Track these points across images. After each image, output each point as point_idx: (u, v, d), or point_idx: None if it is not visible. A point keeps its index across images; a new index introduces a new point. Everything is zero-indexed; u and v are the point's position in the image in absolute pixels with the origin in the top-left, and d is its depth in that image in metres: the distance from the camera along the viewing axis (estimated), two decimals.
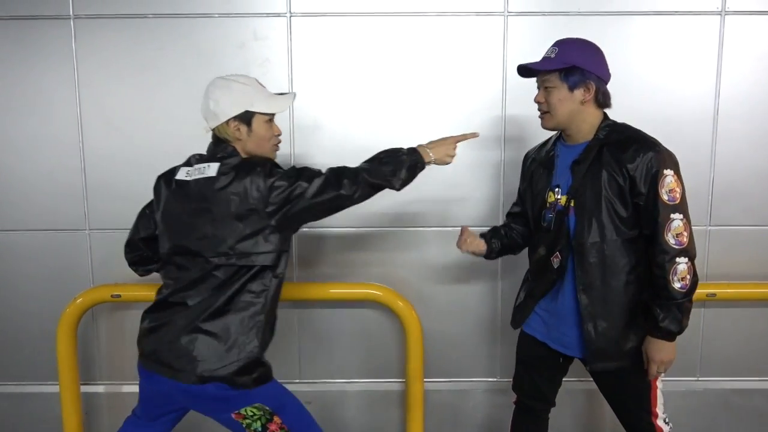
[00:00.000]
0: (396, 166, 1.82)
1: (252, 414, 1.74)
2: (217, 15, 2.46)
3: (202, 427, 2.38)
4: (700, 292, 2.40)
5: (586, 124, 1.85)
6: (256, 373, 1.75)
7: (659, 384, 1.89)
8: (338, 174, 1.76)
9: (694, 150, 2.49)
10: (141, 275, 2.03)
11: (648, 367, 1.82)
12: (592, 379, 1.96)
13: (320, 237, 2.58)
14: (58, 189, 2.55)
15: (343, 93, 2.50)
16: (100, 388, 2.70)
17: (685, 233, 1.74)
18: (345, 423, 2.72)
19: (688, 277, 1.73)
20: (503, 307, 2.63)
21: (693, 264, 1.75)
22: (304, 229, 2.51)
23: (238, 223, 1.70)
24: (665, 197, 1.73)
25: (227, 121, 1.77)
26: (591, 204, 1.80)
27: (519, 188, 2.14)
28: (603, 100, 1.85)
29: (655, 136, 1.83)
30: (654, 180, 1.73)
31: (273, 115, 1.84)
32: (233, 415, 1.74)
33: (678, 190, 1.75)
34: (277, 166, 1.77)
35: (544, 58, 1.86)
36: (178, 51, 2.47)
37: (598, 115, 1.87)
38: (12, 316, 2.64)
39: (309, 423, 1.88)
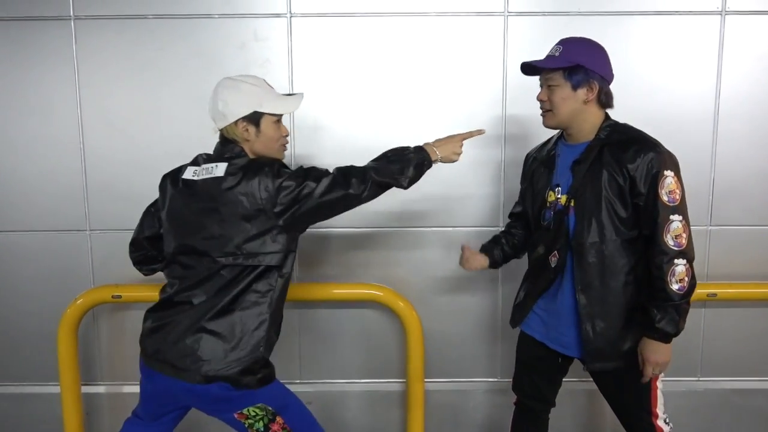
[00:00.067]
0: (403, 165, 1.83)
1: (255, 414, 1.74)
2: (217, 16, 2.46)
3: (203, 428, 2.39)
4: (700, 292, 2.42)
5: (587, 124, 1.85)
6: (260, 374, 1.75)
7: (659, 384, 1.88)
8: (346, 173, 1.76)
9: (694, 150, 2.49)
10: (145, 274, 2.03)
11: (643, 368, 1.81)
12: (592, 379, 1.96)
13: (321, 237, 2.58)
14: (59, 190, 2.55)
15: (344, 93, 2.50)
16: (100, 389, 2.70)
17: (684, 235, 1.74)
18: (346, 423, 2.72)
19: (686, 279, 1.73)
20: (504, 307, 2.63)
21: (691, 266, 1.75)
22: None
23: (245, 224, 1.70)
24: (665, 198, 1.73)
25: (236, 122, 1.77)
26: (591, 204, 1.80)
27: (520, 188, 2.14)
28: (605, 100, 1.85)
29: (655, 136, 1.83)
30: (654, 181, 1.73)
31: (281, 115, 1.84)
32: (236, 415, 1.74)
33: (678, 191, 1.75)
34: (284, 166, 1.77)
35: (548, 56, 1.86)
36: (179, 52, 2.47)
37: (599, 115, 1.87)
38: (13, 317, 2.64)
39: (311, 423, 1.88)
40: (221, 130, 1.81)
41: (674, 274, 1.72)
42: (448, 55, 2.48)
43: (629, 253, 1.80)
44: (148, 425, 1.91)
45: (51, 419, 2.62)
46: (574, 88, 1.81)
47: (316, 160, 2.50)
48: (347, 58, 2.49)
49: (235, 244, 1.71)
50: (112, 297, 2.46)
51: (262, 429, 1.75)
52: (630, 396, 1.89)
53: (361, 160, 1.86)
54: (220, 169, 1.73)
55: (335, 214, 1.82)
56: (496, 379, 2.70)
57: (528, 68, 1.89)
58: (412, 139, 1.98)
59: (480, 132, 2.00)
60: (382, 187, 1.82)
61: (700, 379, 2.69)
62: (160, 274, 2.02)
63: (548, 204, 1.92)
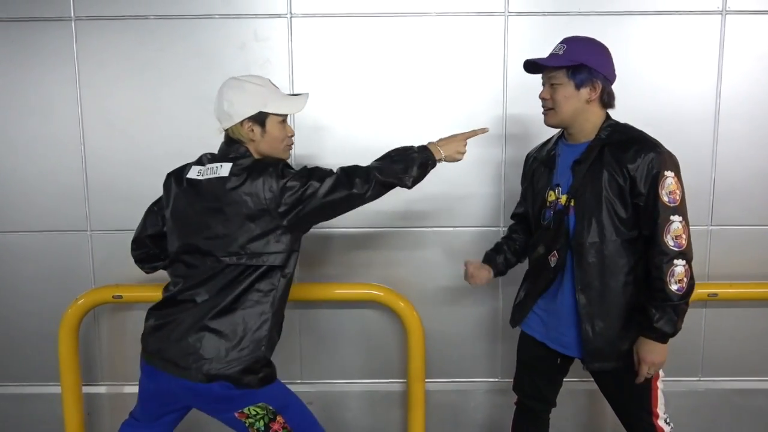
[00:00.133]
0: (407, 164, 1.82)
1: (255, 413, 1.75)
2: (218, 16, 2.46)
3: (203, 427, 2.39)
4: (701, 291, 2.42)
5: (589, 123, 1.85)
6: (261, 373, 1.75)
7: (660, 384, 1.88)
8: (350, 173, 1.76)
9: (695, 150, 2.49)
10: (147, 272, 2.03)
11: (638, 368, 1.81)
12: (592, 379, 1.96)
13: (321, 237, 2.58)
14: (60, 190, 2.55)
15: (344, 93, 2.50)
16: (101, 389, 2.70)
17: (684, 235, 1.74)
18: (346, 423, 2.72)
19: (685, 279, 1.73)
20: (504, 307, 2.62)
21: (690, 267, 1.74)
22: None
23: (249, 224, 1.70)
24: (665, 198, 1.73)
25: (241, 122, 1.77)
26: (591, 204, 1.80)
27: (521, 188, 2.14)
28: (608, 100, 1.85)
29: (656, 136, 1.83)
30: (654, 181, 1.73)
31: (286, 115, 1.84)
32: (236, 414, 1.75)
33: (678, 192, 1.74)
34: (288, 166, 1.77)
35: (551, 55, 1.85)
36: (179, 52, 2.47)
37: (601, 114, 1.87)
38: (13, 318, 2.64)
39: (311, 423, 1.88)
40: (226, 131, 1.81)
41: (673, 275, 1.72)
42: (449, 55, 2.48)
43: (629, 254, 1.80)
44: (146, 427, 1.91)
45: (52, 419, 2.63)
46: (578, 87, 1.81)
47: (316, 160, 2.50)
48: (348, 59, 2.49)
49: (239, 244, 1.71)
50: (113, 297, 2.46)
51: (262, 428, 1.75)
52: (630, 396, 1.89)
53: (362, 160, 1.86)
54: (224, 169, 1.74)
55: (339, 214, 1.81)
56: (496, 379, 2.70)
57: (531, 66, 1.89)
58: (412, 139, 1.98)
59: (484, 130, 1.99)
60: (386, 187, 1.82)
61: (701, 379, 2.69)
62: (160, 274, 2.02)
63: (548, 204, 1.92)
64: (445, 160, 1.91)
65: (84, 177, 2.55)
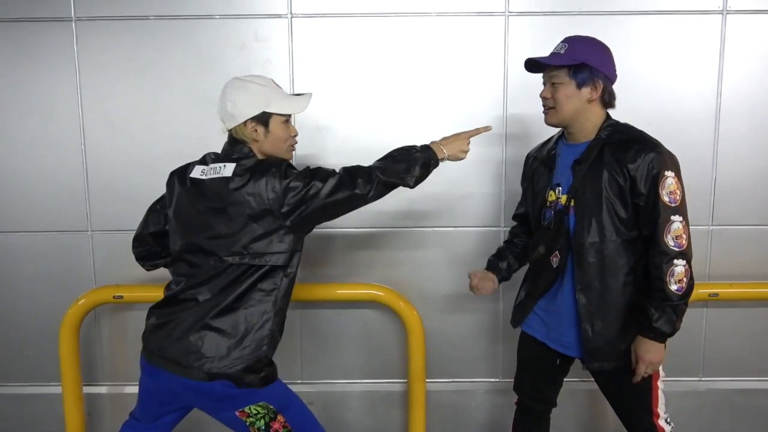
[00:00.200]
0: (410, 164, 1.82)
1: (256, 412, 1.75)
2: (218, 16, 2.46)
3: (203, 427, 2.39)
4: (702, 292, 2.42)
5: (589, 123, 1.85)
6: (263, 372, 1.75)
7: (660, 384, 1.88)
8: (352, 173, 1.77)
9: (695, 149, 2.49)
10: (147, 270, 2.04)
11: (636, 367, 1.81)
12: (593, 379, 1.96)
13: (321, 237, 2.58)
14: (60, 190, 2.56)
15: (345, 94, 2.50)
16: (102, 389, 2.70)
17: (684, 236, 1.73)
18: (347, 423, 2.72)
19: (685, 279, 1.73)
20: (505, 307, 2.62)
21: (690, 267, 1.74)
22: None
23: (252, 224, 1.70)
24: (666, 198, 1.73)
25: (244, 122, 1.77)
26: (591, 204, 1.79)
27: (522, 188, 2.14)
28: (608, 99, 1.85)
29: (656, 136, 1.82)
30: (655, 181, 1.73)
31: (290, 115, 1.84)
32: (237, 413, 1.75)
33: (678, 192, 1.74)
34: (291, 167, 1.77)
35: (553, 54, 1.85)
36: (180, 52, 2.47)
37: (601, 114, 1.86)
38: (14, 318, 2.65)
39: (312, 423, 1.88)
40: (230, 131, 1.81)
41: (673, 275, 1.72)
42: (449, 55, 2.48)
43: (629, 254, 1.80)
44: (146, 427, 1.91)
45: (52, 420, 2.63)
46: (579, 86, 1.81)
47: (317, 160, 2.50)
48: (348, 59, 2.49)
49: (242, 243, 1.71)
50: (114, 297, 2.46)
51: (263, 427, 1.76)
52: (630, 395, 1.89)
53: (363, 160, 1.86)
54: (228, 169, 1.74)
55: (341, 214, 1.81)
56: (497, 380, 2.70)
57: (532, 65, 1.89)
58: (413, 139, 1.98)
59: (487, 129, 1.99)
60: (389, 187, 1.82)
61: (702, 379, 2.68)
62: (161, 273, 2.02)
63: (549, 203, 1.92)
64: (449, 159, 1.90)
65: (84, 177, 2.55)
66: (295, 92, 2.45)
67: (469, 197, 2.56)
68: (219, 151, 1.83)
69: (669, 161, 1.75)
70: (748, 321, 2.64)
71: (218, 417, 1.81)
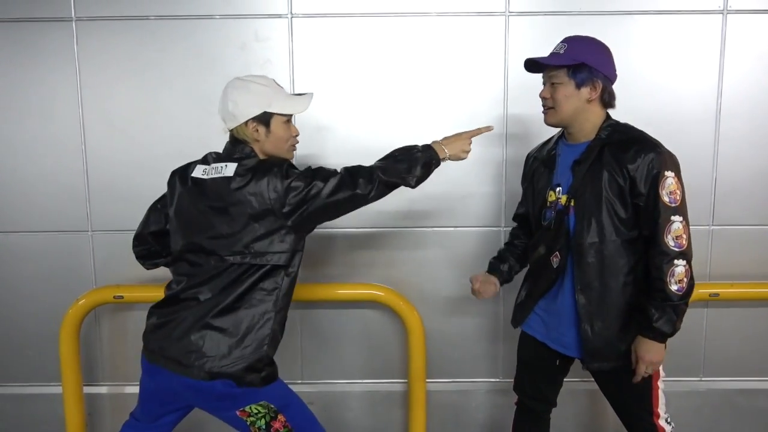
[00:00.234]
0: (411, 164, 1.82)
1: (257, 412, 1.75)
2: (218, 16, 2.46)
3: (203, 427, 2.39)
4: (702, 291, 2.42)
5: (589, 123, 1.85)
6: (264, 372, 1.75)
7: (660, 384, 1.88)
8: (353, 173, 1.77)
9: (696, 149, 2.49)
10: (147, 269, 2.04)
11: (636, 367, 1.81)
12: (593, 379, 1.96)
13: (322, 237, 2.58)
14: (61, 191, 2.56)
15: (345, 94, 2.50)
16: (103, 389, 2.70)
17: (685, 236, 1.73)
18: (347, 423, 2.72)
19: (685, 279, 1.73)
20: (505, 307, 2.62)
21: (690, 267, 1.74)
22: None
23: (254, 223, 1.71)
24: (666, 199, 1.73)
25: (246, 122, 1.77)
26: (591, 204, 1.79)
27: (522, 189, 2.14)
28: (608, 99, 1.85)
29: (657, 136, 1.82)
30: (655, 181, 1.73)
31: (291, 115, 1.84)
32: (238, 413, 1.75)
33: (678, 192, 1.74)
34: (293, 166, 1.78)
35: (552, 54, 1.85)
36: (180, 52, 2.47)
37: (601, 114, 1.86)
38: (15, 318, 2.65)
39: (312, 422, 1.88)
40: (231, 131, 1.81)
41: (673, 275, 1.72)
42: (450, 55, 2.48)
43: (629, 254, 1.80)
44: (147, 427, 1.91)
45: (53, 420, 2.63)
46: (578, 86, 1.81)
47: (318, 160, 2.50)
48: (348, 59, 2.49)
49: (244, 243, 1.71)
50: (114, 297, 2.46)
51: (263, 427, 1.76)
52: (630, 395, 1.89)
53: (363, 160, 1.86)
54: (229, 169, 1.74)
55: (343, 214, 1.82)
56: (497, 380, 2.70)
57: (532, 65, 1.89)
58: (414, 139, 1.97)
59: (488, 129, 1.99)
60: (390, 187, 1.82)
61: (703, 379, 2.68)
62: (161, 273, 2.02)
63: (549, 204, 1.92)
64: (450, 159, 1.90)
65: (85, 177, 2.55)
66: (296, 92, 2.45)
67: (469, 197, 2.56)
68: (220, 151, 1.83)
69: (669, 161, 1.75)
70: (749, 321, 2.64)
71: (219, 416, 1.81)
